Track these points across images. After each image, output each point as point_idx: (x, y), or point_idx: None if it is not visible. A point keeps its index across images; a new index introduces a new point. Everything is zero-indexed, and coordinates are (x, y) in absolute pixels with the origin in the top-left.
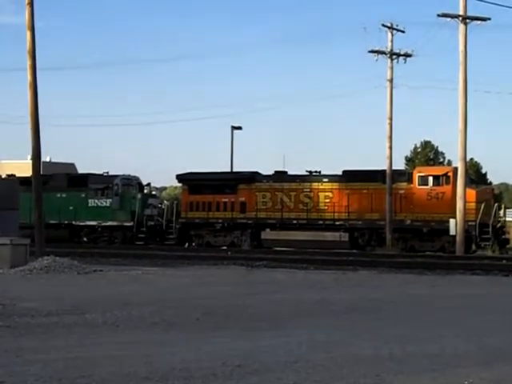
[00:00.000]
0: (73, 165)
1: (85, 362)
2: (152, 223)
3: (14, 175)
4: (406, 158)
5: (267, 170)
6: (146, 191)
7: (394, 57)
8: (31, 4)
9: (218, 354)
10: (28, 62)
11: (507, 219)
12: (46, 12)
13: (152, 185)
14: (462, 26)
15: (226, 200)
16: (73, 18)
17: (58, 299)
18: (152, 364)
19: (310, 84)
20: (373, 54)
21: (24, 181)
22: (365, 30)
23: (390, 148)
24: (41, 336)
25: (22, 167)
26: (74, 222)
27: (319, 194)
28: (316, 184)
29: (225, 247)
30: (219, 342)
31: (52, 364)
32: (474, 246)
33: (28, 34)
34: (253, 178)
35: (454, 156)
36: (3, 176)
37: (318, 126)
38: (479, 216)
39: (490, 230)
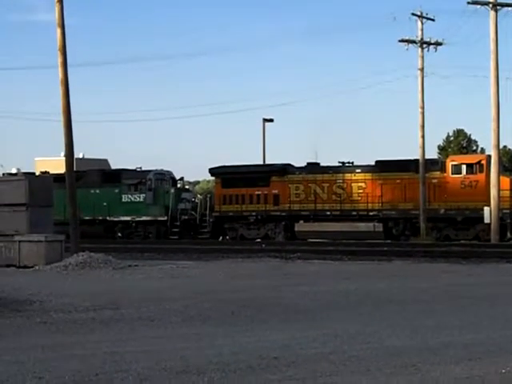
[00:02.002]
0: (106, 161)
1: (121, 357)
2: (186, 217)
3: (48, 172)
4: (439, 146)
5: (299, 161)
6: (179, 185)
7: (425, 45)
8: (61, 1)
9: (254, 346)
10: (59, 59)
11: None
12: (73, 9)
13: (185, 179)
14: (492, 13)
15: (259, 192)
16: (102, 15)
17: (93, 295)
18: (188, 358)
19: (340, 75)
20: (403, 44)
21: (58, 178)
22: (394, 19)
23: (423, 137)
24: (77, 331)
25: (55, 164)
26: (108, 218)
27: (352, 184)
28: (349, 175)
29: (259, 240)
30: (255, 334)
31: (89, 359)
32: (508, 234)
33: (58, 31)
34: (285, 170)
35: (487, 144)
36: (37, 173)
37: (350, 117)
38: None
39: None
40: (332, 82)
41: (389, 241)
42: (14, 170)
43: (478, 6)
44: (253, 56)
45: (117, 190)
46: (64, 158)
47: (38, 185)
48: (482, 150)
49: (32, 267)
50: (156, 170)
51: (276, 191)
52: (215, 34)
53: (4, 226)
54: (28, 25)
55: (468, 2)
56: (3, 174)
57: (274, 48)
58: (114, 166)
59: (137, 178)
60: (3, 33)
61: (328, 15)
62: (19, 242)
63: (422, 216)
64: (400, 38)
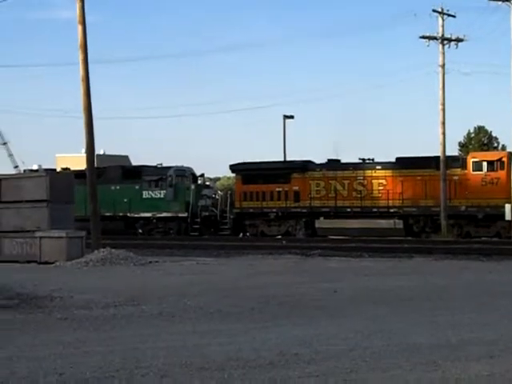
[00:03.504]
0: (126, 157)
1: (142, 353)
2: (206, 214)
3: (69, 168)
4: (460, 143)
5: (320, 158)
6: (199, 182)
7: (446, 42)
8: None
9: (274, 342)
10: (80, 56)
11: None
12: (95, 6)
13: (206, 175)
14: None
15: (280, 189)
16: (122, 11)
17: (114, 291)
18: (208, 354)
19: (361, 72)
20: (424, 40)
21: (79, 174)
22: (415, 15)
23: (444, 134)
24: (98, 328)
25: (76, 160)
26: (128, 214)
27: (373, 181)
28: (369, 171)
29: (279, 236)
30: (275, 331)
31: (110, 355)
32: None
33: (79, 28)
34: (306, 166)
35: (508, 141)
36: (58, 170)
37: (370, 114)
38: None
39: None
40: (352, 78)
41: (409, 238)
42: (35, 167)
43: (500, 3)
44: (274, 53)
45: (137, 187)
46: (85, 155)
47: (59, 181)
48: (503, 147)
49: (53, 263)
50: (176, 167)
51: (296, 188)
52: (236, 31)
53: (25, 222)
54: (49, 22)
55: None
56: (24, 171)
57: (295, 46)
58: (134, 163)
59: (157, 175)
60: (24, 30)
61: (350, 13)
62: (40, 238)
63: (442, 213)
64: (421, 35)
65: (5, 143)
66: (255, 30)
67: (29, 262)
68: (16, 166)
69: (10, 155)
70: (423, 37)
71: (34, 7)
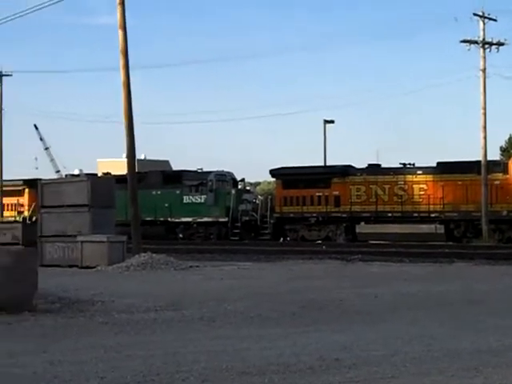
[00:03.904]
0: (167, 162)
1: (183, 358)
2: (247, 218)
3: (110, 173)
4: (501, 148)
5: (360, 163)
6: (240, 187)
7: (487, 46)
8: (122, 3)
9: (314, 348)
10: (121, 61)
11: None
12: (137, 10)
13: (246, 180)
14: None
15: (320, 194)
16: (163, 16)
17: (155, 295)
18: (249, 359)
19: (401, 76)
20: (465, 44)
21: (120, 179)
22: (456, 20)
23: (485, 138)
24: (139, 332)
25: (117, 165)
26: (169, 219)
27: (413, 186)
28: (410, 176)
29: (319, 241)
30: (316, 336)
31: (151, 359)
32: None
33: (120, 33)
34: (346, 171)
35: None
36: (99, 174)
37: (411, 119)
38: None
39: None
40: (393, 83)
41: (450, 243)
42: (76, 172)
43: None
44: (314, 57)
45: (178, 191)
46: (126, 159)
47: (100, 186)
48: None
49: (94, 268)
50: (217, 171)
51: (337, 192)
52: (276, 35)
53: (67, 226)
54: (90, 27)
55: None
56: (66, 176)
57: (336, 49)
58: (175, 168)
59: (198, 179)
60: (67, 35)
61: (390, 17)
62: (82, 242)
63: (484, 218)
64: (462, 39)
65: (46, 148)
66: (294, 33)
67: (70, 266)
68: (58, 171)
69: (52, 160)
70: (464, 41)
71: (74, 12)
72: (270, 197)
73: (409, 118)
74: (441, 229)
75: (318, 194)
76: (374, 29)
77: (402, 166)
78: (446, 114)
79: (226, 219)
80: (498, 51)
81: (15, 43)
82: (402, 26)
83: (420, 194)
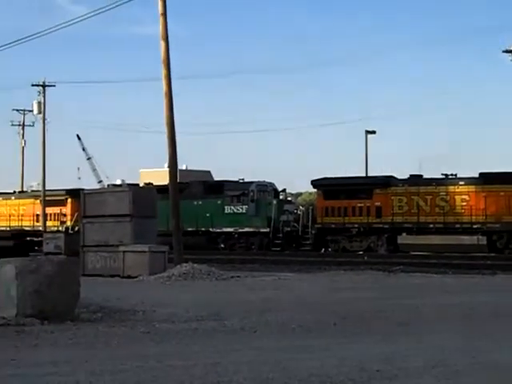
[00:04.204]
0: (209, 172)
1: (224, 368)
2: (288, 229)
3: (152, 183)
4: None
5: (402, 173)
6: (281, 197)
7: None
8: (164, 14)
9: (356, 359)
10: (163, 72)
11: None
12: (180, 22)
13: (287, 190)
14: None
15: (362, 205)
16: (208, 26)
17: (196, 305)
18: (290, 370)
19: (443, 86)
20: (508, 54)
21: (161, 189)
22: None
23: None
24: (181, 342)
25: (159, 175)
26: (210, 229)
27: (456, 197)
28: (452, 187)
29: (361, 252)
30: (357, 347)
31: (192, 369)
32: None
33: (162, 44)
34: (388, 182)
35: None
36: (141, 184)
37: (453, 129)
38: None
39: None
40: (434, 93)
41: (492, 254)
42: (118, 182)
43: None
44: (355, 68)
45: (219, 202)
46: (167, 170)
47: (141, 196)
48: None
49: (136, 277)
50: (258, 182)
51: (378, 203)
52: (318, 45)
53: (109, 236)
54: (134, 37)
55: None
56: (108, 186)
57: (378, 60)
58: (216, 178)
59: (239, 190)
60: (109, 46)
61: (432, 26)
62: (124, 252)
63: None
64: (504, 49)
65: (89, 158)
66: (336, 44)
67: (112, 276)
68: (100, 181)
69: (94, 170)
70: (507, 51)
71: (119, 23)
72: (311, 207)
73: (451, 129)
74: (483, 240)
75: (359, 204)
76: (417, 38)
77: (444, 176)
78: (489, 124)
79: (267, 230)
80: None
81: (59, 54)
82: (443, 36)
83: (462, 205)
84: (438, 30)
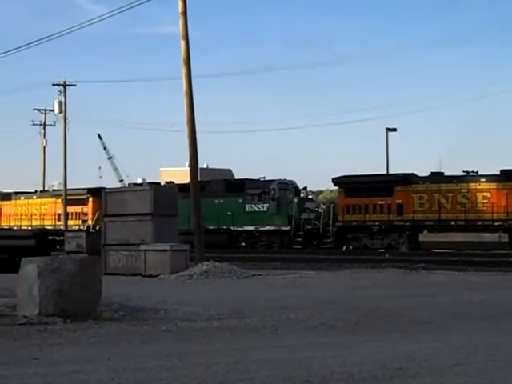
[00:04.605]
0: (229, 170)
1: (245, 366)
2: (309, 227)
3: (173, 182)
4: None
5: (423, 171)
6: (302, 195)
7: None
8: (185, 13)
9: (377, 357)
10: (183, 71)
11: None
12: (200, 21)
13: (308, 188)
14: None
15: (383, 202)
16: (228, 25)
17: (218, 303)
18: (312, 367)
19: (464, 83)
20: None
21: (182, 187)
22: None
23: None
24: (202, 340)
25: (180, 174)
26: (232, 228)
27: (477, 194)
28: (473, 184)
29: (382, 250)
30: (379, 345)
31: (214, 367)
32: None
33: (182, 43)
34: (409, 179)
35: None
36: (162, 183)
37: (475, 125)
38: None
39: None
40: (455, 89)
41: None
42: (139, 181)
43: None
44: (375, 65)
45: (240, 200)
46: (188, 168)
47: (162, 195)
48: None
49: (157, 276)
50: (279, 180)
51: (399, 201)
52: (337, 43)
53: (130, 235)
54: (154, 37)
55: None
56: (129, 184)
57: (399, 56)
58: (237, 176)
59: (260, 188)
60: (130, 45)
61: (455, 22)
62: (145, 251)
63: None
64: None
65: (110, 157)
66: (356, 42)
67: (133, 274)
68: (121, 180)
69: (115, 169)
70: None
71: (139, 23)
72: (332, 205)
73: (473, 125)
74: (505, 237)
75: (380, 202)
76: (438, 35)
77: (465, 173)
78: (510, 120)
79: (288, 228)
80: None
81: (80, 54)
82: (467, 31)
83: (483, 203)
84: (459, 25)
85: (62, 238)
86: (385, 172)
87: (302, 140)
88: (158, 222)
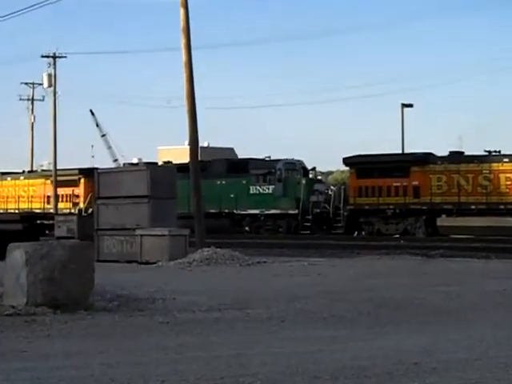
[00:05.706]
0: (232, 149)
1: (248, 360)
2: (318, 210)
3: (171, 162)
4: None
5: (441, 150)
6: (311, 176)
7: None
8: None
9: (392, 350)
10: (182, 41)
11: None
12: None
13: (317, 169)
14: None
15: (398, 184)
16: None
17: (219, 293)
18: (321, 362)
19: (485, 55)
20: None
21: (181, 167)
22: None
23: None
24: (202, 332)
25: (178, 153)
26: (235, 211)
27: (499, 175)
28: (496, 165)
29: (397, 235)
30: (393, 337)
31: (214, 361)
32: None
33: (181, 11)
34: (426, 159)
35: None
36: (160, 163)
37: (497, 102)
38: None
39: None
40: (477, 62)
41: None
42: (135, 160)
43: None
44: (391, 35)
45: (244, 181)
46: (188, 147)
47: (160, 175)
48: None
49: (154, 263)
50: (286, 160)
51: (416, 182)
52: (351, 13)
53: (125, 219)
54: (152, 5)
55: None
56: (124, 165)
57: (416, 26)
58: (240, 156)
59: (265, 168)
60: (126, 14)
61: None
62: (141, 236)
63: None
64: None
65: (103, 135)
66: (369, 12)
67: (129, 261)
68: (115, 160)
69: (109, 148)
70: None
71: None
72: (343, 187)
73: (496, 101)
74: None
75: (395, 184)
76: (452, 5)
77: (486, 153)
78: None
79: (295, 211)
80: None
81: (72, 24)
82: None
83: (507, 184)
84: None
85: (51, 221)
86: (400, 151)
87: (310, 117)
88: (155, 204)
